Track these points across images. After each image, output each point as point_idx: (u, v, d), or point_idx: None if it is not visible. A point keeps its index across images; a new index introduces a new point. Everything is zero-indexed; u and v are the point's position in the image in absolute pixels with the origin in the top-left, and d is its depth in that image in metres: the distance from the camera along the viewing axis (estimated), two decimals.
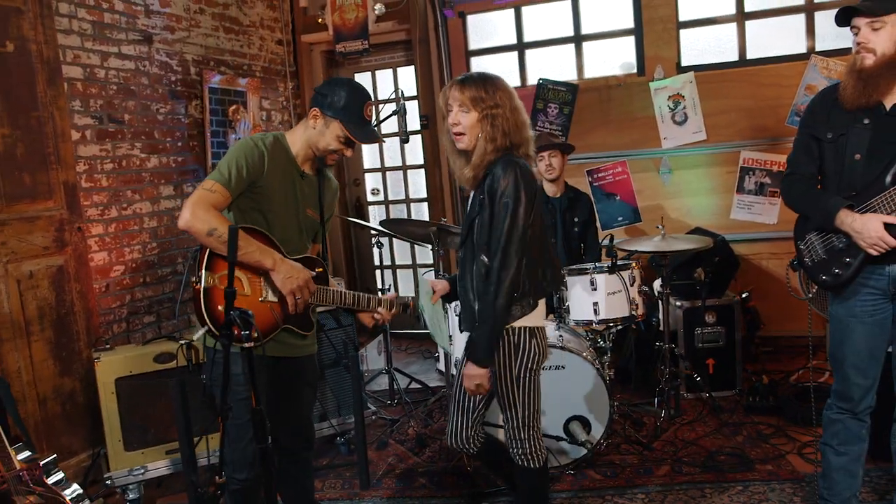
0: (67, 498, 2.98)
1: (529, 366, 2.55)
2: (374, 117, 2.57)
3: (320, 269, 2.68)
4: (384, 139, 2.63)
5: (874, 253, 2.46)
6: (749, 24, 5.16)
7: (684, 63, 5.28)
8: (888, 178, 2.45)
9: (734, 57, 5.22)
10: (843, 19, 2.56)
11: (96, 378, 3.48)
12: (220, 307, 2.37)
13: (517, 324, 2.52)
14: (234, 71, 5.20)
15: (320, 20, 5.82)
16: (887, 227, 2.42)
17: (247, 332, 1.96)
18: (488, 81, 2.52)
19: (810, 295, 2.96)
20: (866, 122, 2.53)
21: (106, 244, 4.08)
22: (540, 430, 2.65)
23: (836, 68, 4.87)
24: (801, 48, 5.07)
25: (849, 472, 2.78)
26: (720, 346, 4.45)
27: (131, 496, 3.50)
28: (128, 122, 4.24)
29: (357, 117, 2.54)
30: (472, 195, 2.64)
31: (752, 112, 5.14)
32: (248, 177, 2.46)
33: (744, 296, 4.90)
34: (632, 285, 3.70)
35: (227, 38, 5.18)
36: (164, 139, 4.53)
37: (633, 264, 3.77)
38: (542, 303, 2.59)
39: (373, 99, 2.63)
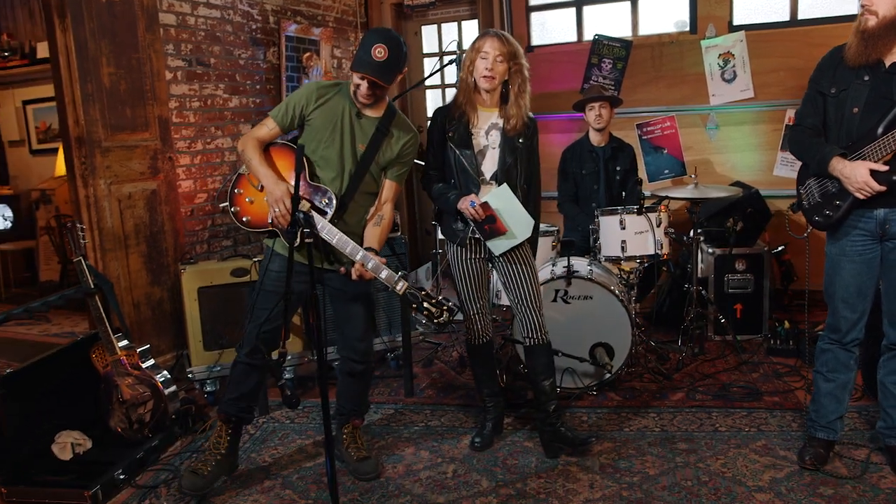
0: (158, 381, 3.56)
1: None
2: (386, 56, 2.84)
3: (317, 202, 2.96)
4: (376, 77, 2.85)
5: (861, 196, 2.74)
6: None
7: (736, 22, 5.45)
8: (880, 129, 2.71)
9: (786, 17, 5.36)
10: None
11: (182, 287, 4.03)
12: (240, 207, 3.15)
13: None
14: (309, 21, 5.64)
15: None
16: (874, 173, 2.69)
17: (309, 230, 2.42)
18: (517, 44, 3.10)
19: (806, 234, 3.25)
20: (866, 78, 2.78)
21: (192, 174, 4.61)
22: None
23: None
24: (852, 9, 5.17)
25: (835, 398, 3.09)
26: (748, 293, 4.73)
27: (209, 388, 4.07)
28: (213, 65, 4.74)
29: (365, 52, 2.88)
30: (501, 136, 3.18)
31: (800, 72, 5.26)
32: (297, 111, 2.99)
33: (780, 248, 5.14)
34: (658, 226, 4.03)
35: None
36: (245, 82, 5.02)
37: (661, 207, 4.08)
38: None
39: (392, 46, 2.89)
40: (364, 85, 2.92)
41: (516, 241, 3.15)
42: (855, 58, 2.80)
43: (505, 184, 3.11)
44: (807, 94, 3.02)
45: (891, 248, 2.83)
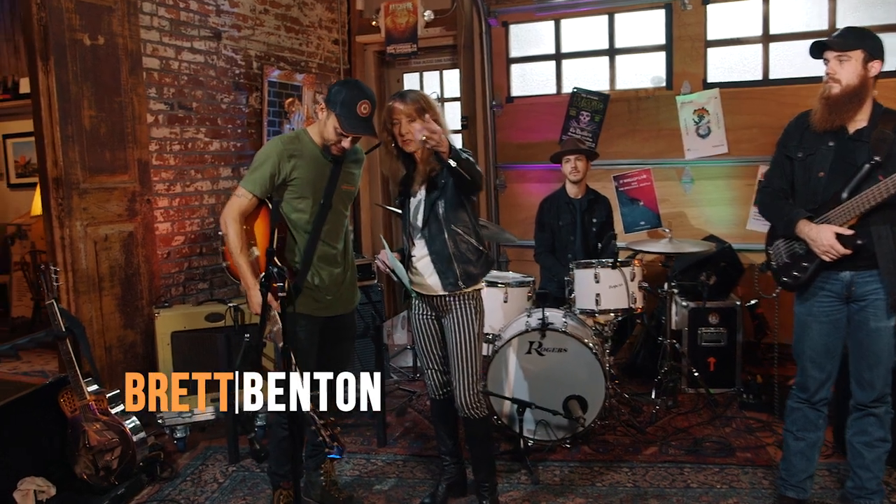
0: (127, 427, 3.52)
1: (482, 324, 3.14)
2: (369, 112, 2.91)
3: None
4: (367, 135, 2.97)
5: (827, 259, 2.80)
6: (773, 45, 5.45)
7: (710, 80, 5.60)
8: (845, 194, 2.79)
9: (758, 76, 5.51)
10: (816, 51, 2.92)
11: (155, 331, 4.01)
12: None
13: (479, 287, 3.12)
14: (292, 67, 5.70)
15: (374, 23, 6.28)
16: (839, 237, 2.76)
17: (281, 284, 2.43)
18: (423, 96, 3.02)
19: (775, 294, 3.30)
20: (831, 143, 2.87)
21: (170, 216, 4.61)
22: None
23: None
24: (821, 70, 5.30)
25: (805, 457, 3.12)
26: (722, 346, 4.76)
27: (178, 435, 4.01)
28: (195, 109, 4.78)
29: (350, 112, 2.91)
30: (419, 189, 3.10)
31: (772, 129, 5.35)
32: (276, 180, 3.01)
33: (753, 302, 5.20)
34: (632, 280, 4.07)
35: (288, 37, 5.69)
36: (226, 126, 5.06)
37: (635, 261, 4.14)
38: None
39: (372, 100, 2.96)
40: (348, 140, 3.00)
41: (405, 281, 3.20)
42: (820, 123, 2.89)
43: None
44: (775, 157, 3.10)
45: (857, 309, 2.88)
